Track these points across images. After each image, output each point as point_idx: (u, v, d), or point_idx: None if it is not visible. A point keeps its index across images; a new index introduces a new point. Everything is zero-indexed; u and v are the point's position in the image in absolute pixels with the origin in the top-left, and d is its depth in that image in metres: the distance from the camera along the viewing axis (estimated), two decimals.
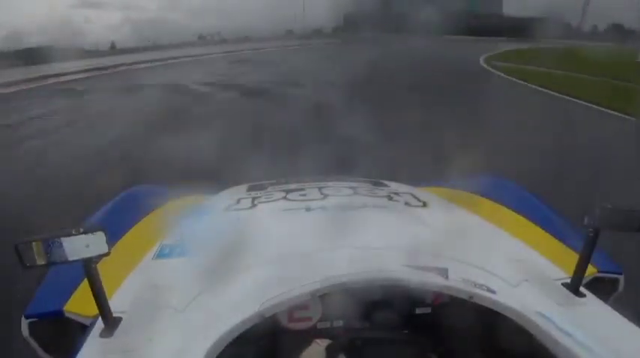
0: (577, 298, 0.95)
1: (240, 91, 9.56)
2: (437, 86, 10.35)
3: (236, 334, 0.77)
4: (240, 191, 1.70)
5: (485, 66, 15.99)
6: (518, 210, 1.44)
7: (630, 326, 0.87)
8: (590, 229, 0.92)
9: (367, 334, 0.90)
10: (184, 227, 1.33)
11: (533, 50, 22.17)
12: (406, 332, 0.95)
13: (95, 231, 0.79)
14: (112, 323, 0.86)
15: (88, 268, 0.79)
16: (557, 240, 1.25)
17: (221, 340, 0.76)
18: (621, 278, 1.15)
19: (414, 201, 1.51)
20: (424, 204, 1.49)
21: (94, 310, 0.85)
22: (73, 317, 0.97)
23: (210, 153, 3.52)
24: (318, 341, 0.85)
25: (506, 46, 25.64)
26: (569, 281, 0.99)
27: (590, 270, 1.03)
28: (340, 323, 0.95)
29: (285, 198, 1.51)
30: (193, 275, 1.00)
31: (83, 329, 0.93)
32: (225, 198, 1.63)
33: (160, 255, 1.16)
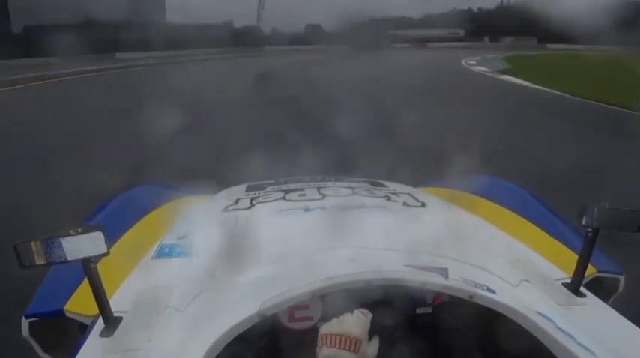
0: (577, 298, 0.95)
1: None
2: None
3: (236, 334, 0.77)
4: (239, 191, 1.70)
5: None
6: (517, 210, 1.44)
7: (630, 326, 0.87)
8: (589, 229, 0.92)
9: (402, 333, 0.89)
10: (184, 227, 1.33)
11: None
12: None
13: (93, 231, 0.79)
14: (112, 322, 0.86)
15: (87, 268, 0.80)
16: (557, 240, 1.25)
17: (221, 340, 0.76)
18: (621, 278, 1.15)
19: (412, 202, 1.51)
20: (423, 204, 1.49)
21: (94, 310, 0.85)
22: (73, 316, 0.97)
23: None
24: (363, 311, 0.80)
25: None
26: (569, 281, 0.99)
27: (590, 270, 1.03)
28: None
29: (283, 198, 1.51)
30: (193, 275, 1.00)
31: (83, 329, 0.93)
32: (224, 198, 1.63)
33: (160, 254, 1.16)
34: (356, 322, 0.77)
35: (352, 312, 0.79)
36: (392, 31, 43.56)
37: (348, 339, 0.73)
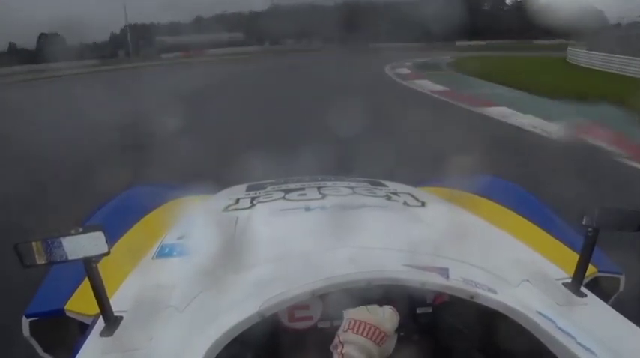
0: (578, 298, 0.95)
1: None
2: None
3: (236, 333, 0.77)
4: (239, 191, 1.70)
5: None
6: (518, 210, 1.44)
7: (630, 326, 0.87)
8: (590, 229, 0.92)
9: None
10: (184, 227, 1.33)
11: None
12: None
13: (94, 230, 0.79)
14: (112, 322, 0.86)
15: (88, 267, 0.80)
16: (557, 240, 1.25)
17: (221, 339, 0.75)
18: (622, 278, 1.15)
19: (412, 201, 1.51)
20: (423, 204, 1.49)
21: (94, 309, 0.86)
22: (73, 316, 0.98)
23: None
24: (392, 308, 0.78)
25: None
26: (569, 281, 0.99)
27: (591, 270, 1.03)
28: (340, 322, 0.95)
29: (284, 198, 1.51)
30: (193, 274, 1.00)
31: (83, 329, 0.93)
32: (224, 198, 1.63)
33: (160, 254, 1.16)
34: (389, 318, 0.76)
35: (381, 306, 0.78)
36: (160, 37, 38.58)
37: (378, 331, 0.72)
